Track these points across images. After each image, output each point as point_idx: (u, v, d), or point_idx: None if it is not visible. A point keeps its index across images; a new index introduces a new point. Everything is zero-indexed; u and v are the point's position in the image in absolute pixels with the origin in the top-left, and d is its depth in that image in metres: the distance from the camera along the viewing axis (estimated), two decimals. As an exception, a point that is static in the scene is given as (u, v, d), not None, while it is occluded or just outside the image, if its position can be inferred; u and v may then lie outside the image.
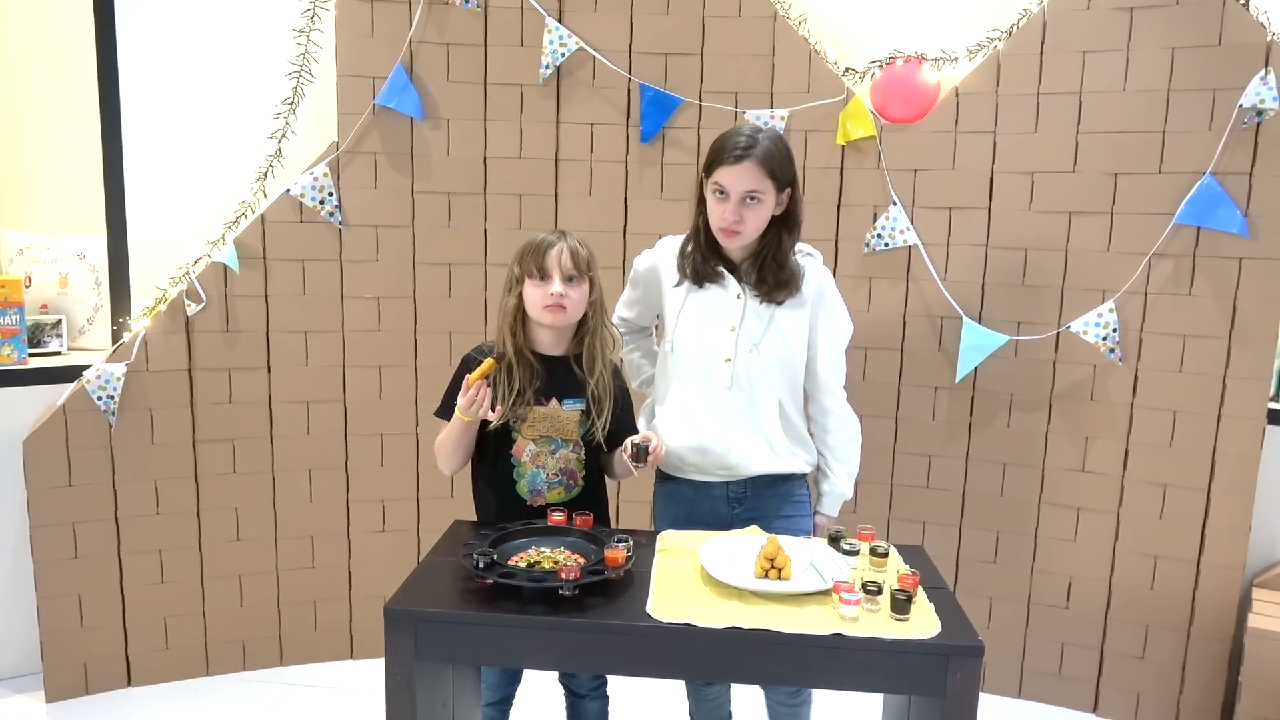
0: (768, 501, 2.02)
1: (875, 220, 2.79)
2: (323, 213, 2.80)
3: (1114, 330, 2.61)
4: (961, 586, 2.87)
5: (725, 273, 1.97)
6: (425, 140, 2.83)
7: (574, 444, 1.96)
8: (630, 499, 2.84)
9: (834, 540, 1.79)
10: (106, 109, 2.75)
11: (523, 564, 1.67)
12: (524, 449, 1.94)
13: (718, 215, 1.90)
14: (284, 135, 2.79)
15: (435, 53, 2.78)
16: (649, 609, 1.52)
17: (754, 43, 2.79)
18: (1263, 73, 2.40)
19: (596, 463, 2.04)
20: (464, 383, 1.85)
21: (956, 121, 2.72)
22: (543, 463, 1.95)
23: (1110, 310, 2.61)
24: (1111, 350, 2.62)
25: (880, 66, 2.76)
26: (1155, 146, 2.55)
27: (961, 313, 2.75)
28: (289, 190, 2.77)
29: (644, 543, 1.83)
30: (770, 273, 1.93)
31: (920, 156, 2.76)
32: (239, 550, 2.89)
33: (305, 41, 2.76)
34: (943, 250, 2.78)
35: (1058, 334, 2.69)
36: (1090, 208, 2.63)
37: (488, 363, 1.82)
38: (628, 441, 1.86)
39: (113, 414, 2.69)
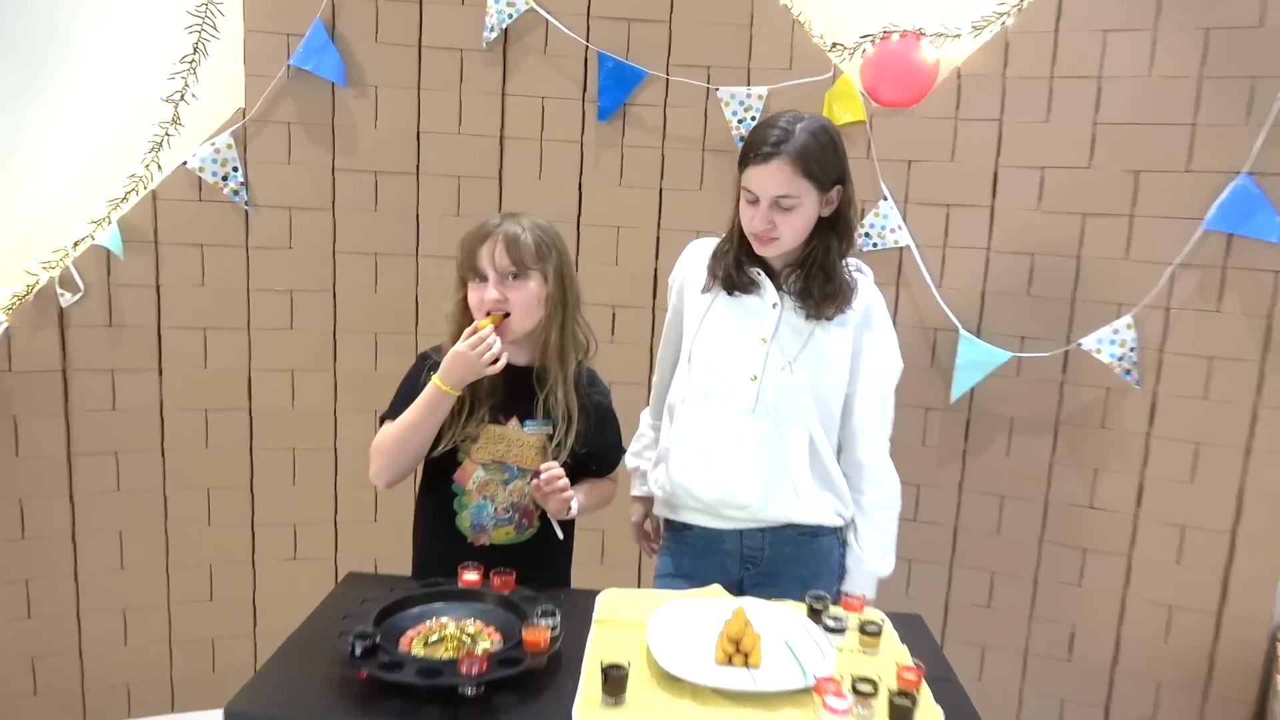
0: (789, 561, 1.70)
1: (863, 217, 2.45)
2: (225, 190, 2.41)
3: (1131, 349, 2.29)
4: (951, 633, 2.54)
5: (763, 278, 1.68)
6: (348, 110, 2.45)
7: (532, 475, 1.62)
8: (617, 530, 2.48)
9: (814, 612, 1.44)
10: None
11: (419, 643, 1.31)
12: (470, 475, 1.62)
13: (747, 221, 1.63)
14: (182, 98, 2.39)
15: (361, 8, 2.41)
16: (575, 715, 1.16)
17: (730, 10, 2.45)
18: (1312, 58, 2.09)
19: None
20: (468, 330, 1.54)
21: (957, 107, 2.39)
22: (491, 493, 1.63)
23: (1128, 326, 2.29)
24: (1127, 372, 2.30)
25: (872, 42, 2.41)
26: (1183, 141, 2.23)
27: (958, 325, 2.42)
28: (185, 163, 2.38)
29: (578, 609, 1.47)
30: (816, 283, 1.64)
31: (915, 146, 2.43)
32: (123, 580, 2.50)
33: (208, -11, 2.36)
34: (938, 253, 2.45)
35: (1066, 352, 2.37)
36: (1107, 209, 2.31)
37: (493, 316, 1.55)
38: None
39: (-34, 422, 2.28)
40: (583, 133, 2.51)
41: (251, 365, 2.52)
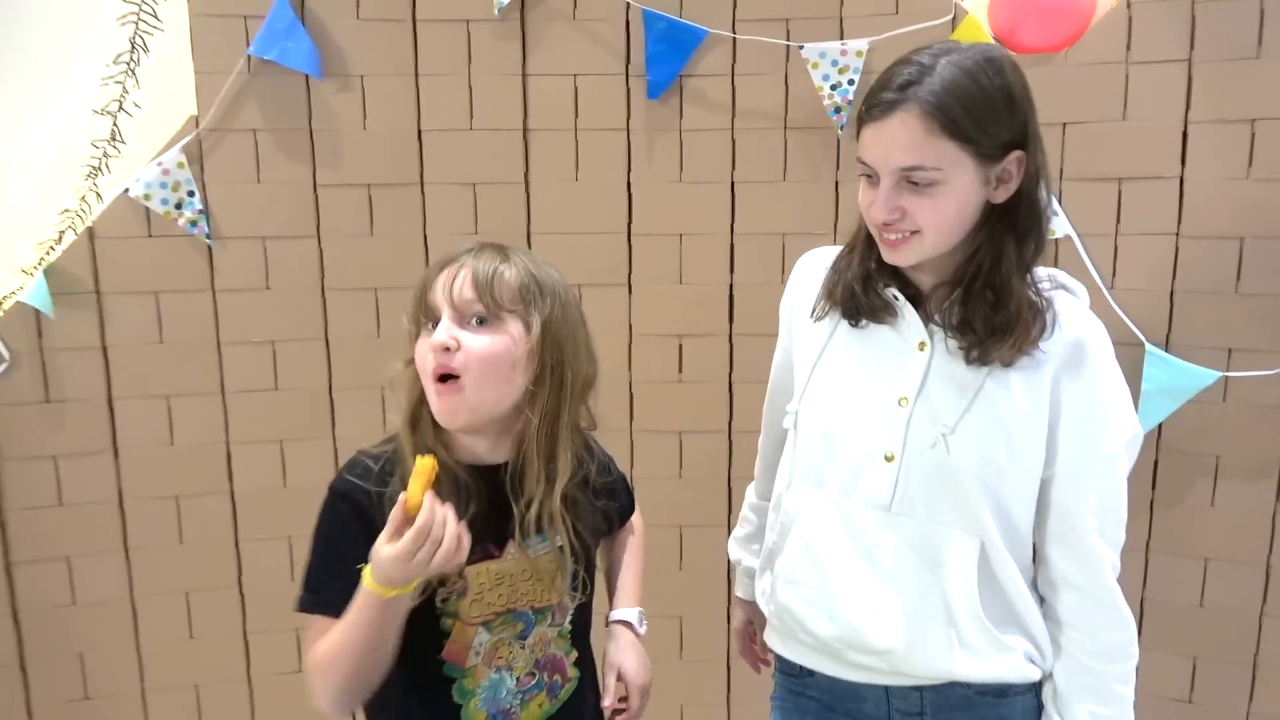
0: None
1: (1004, 202, 1.88)
2: (180, 221, 1.92)
3: (1396, 362, 1.69)
4: (1145, 740, 1.96)
5: (903, 303, 1.14)
6: (329, 108, 1.95)
7: (553, 610, 1.14)
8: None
9: None
10: None
11: None
12: (468, 645, 1.09)
13: (864, 208, 1.10)
14: (120, 108, 1.91)
15: (335, -25, 1.91)
16: None
17: (812, -57, 1.90)
18: None
19: (587, 631, 1.22)
20: (394, 514, 0.97)
21: (1129, 47, 1.81)
22: (507, 660, 1.11)
23: (1388, 330, 1.69)
24: (1391, 392, 1.70)
25: (1001, -28, 1.85)
26: None
27: (1141, 337, 1.85)
28: (127, 190, 1.90)
29: None
30: (980, 308, 1.08)
31: (1071, 103, 1.85)
32: (88, 713, 2.03)
33: (141, -34, 1.87)
34: (1108, 243, 1.88)
35: (1296, 368, 1.78)
36: (1348, 171, 1.72)
37: (426, 464, 0.97)
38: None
39: None
40: (629, 117, 1.99)
41: (230, 437, 2.03)
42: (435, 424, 1.07)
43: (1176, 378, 1.82)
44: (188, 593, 2.05)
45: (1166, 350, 1.84)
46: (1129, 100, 1.82)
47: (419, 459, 0.97)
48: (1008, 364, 1.09)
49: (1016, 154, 1.07)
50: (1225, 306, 1.82)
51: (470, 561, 1.05)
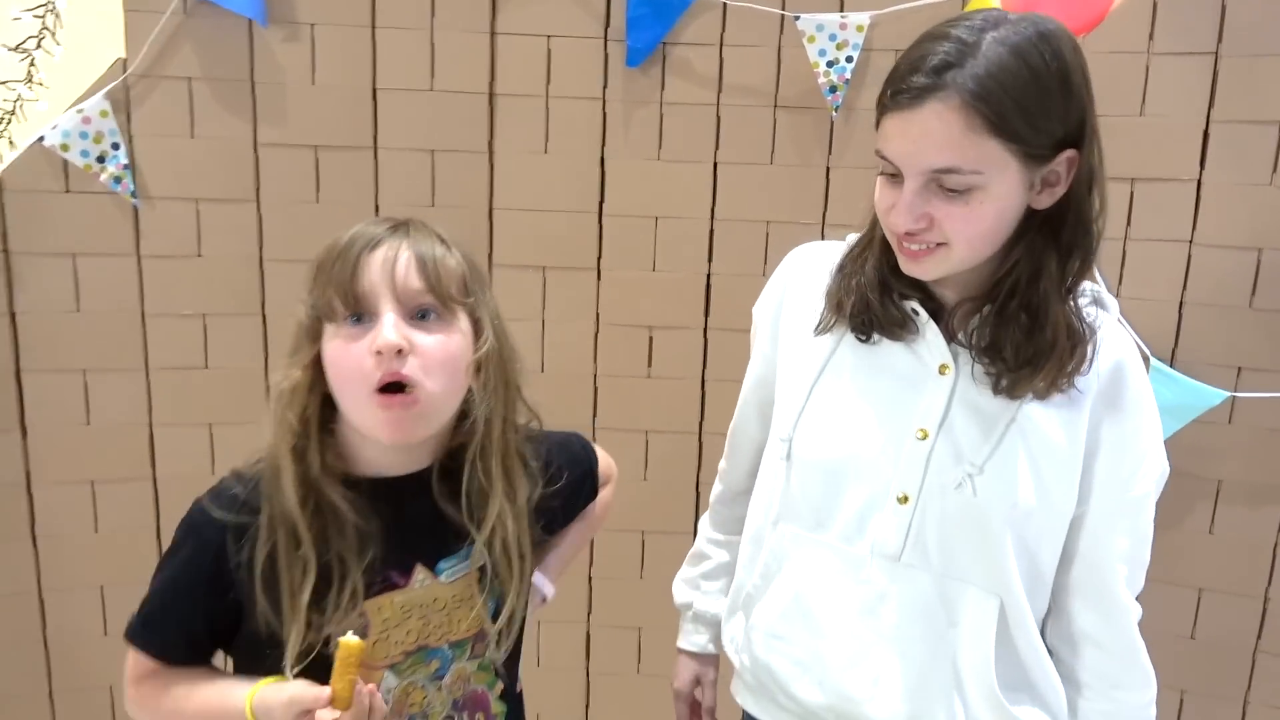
0: None
1: (1008, 198, 1.76)
2: (103, 177, 1.76)
3: None
4: (1126, 777, 1.87)
5: (924, 319, 1.00)
6: (274, 59, 1.78)
7: (474, 640, 0.99)
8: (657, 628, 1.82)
9: None
10: None
11: None
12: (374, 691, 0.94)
13: (884, 213, 0.95)
14: (38, 46, 1.74)
15: (284, -91, 1.73)
16: None
17: (814, -96, 1.75)
18: None
19: (517, 658, 1.07)
20: (311, 696, 0.85)
21: (1151, 36, 1.69)
22: (422, 706, 0.97)
23: None
24: None
25: (1017, -53, 1.71)
26: None
27: (1148, 351, 1.74)
28: (43, 138, 1.72)
29: None
30: (1012, 331, 0.94)
31: None
32: (-13, 714, 1.88)
33: (63, -113, 1.69)
34: (1117, 247, 1.76)
35: (1309, 390, 1.68)
36: (1376, 181, 1.61)
37: (354, 648, 0.84)
38: None
39: None
40: (605, 85, 1.84)
41: (153, 418, 1.87)
42: (323, 444, 0.91)
43: (1181, 395, 1.71)
44: (103, 586, 1.89)
45: (1172, 366, 1.74)
46: (1148, 94, 1.70)
47: (344, 642, 0.83)
48: (1041, 398, 0.96)
49: (1069, 153, 0.92)
50: (1237, 321, 1.72)
51: (368, 595, 0.90)
